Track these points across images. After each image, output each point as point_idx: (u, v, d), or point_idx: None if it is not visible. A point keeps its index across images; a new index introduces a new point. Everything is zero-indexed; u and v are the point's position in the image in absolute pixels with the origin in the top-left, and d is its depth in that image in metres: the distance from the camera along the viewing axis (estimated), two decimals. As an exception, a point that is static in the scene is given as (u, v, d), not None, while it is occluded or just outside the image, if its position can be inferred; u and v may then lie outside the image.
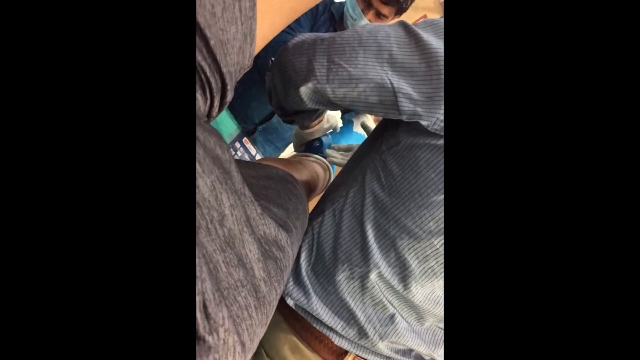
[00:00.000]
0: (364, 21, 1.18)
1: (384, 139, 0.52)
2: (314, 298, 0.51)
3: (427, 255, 0.47)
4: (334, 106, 0.53)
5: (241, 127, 1.20)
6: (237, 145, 1.05)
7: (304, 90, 0.50)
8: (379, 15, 1.17)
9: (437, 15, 2.47)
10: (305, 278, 0.53)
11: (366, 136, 0.93)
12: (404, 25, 0.47)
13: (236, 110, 1.26)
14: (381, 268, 0.49)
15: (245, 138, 1.09)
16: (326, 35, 0.50)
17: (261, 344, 0.57)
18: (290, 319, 0.54)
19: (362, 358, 0.53)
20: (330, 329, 0.52)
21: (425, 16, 2.47)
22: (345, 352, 0.52)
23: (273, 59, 0.61)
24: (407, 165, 0.47)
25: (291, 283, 0.53)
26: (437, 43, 0.44)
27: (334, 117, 0.84)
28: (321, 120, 0.80)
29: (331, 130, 0.85)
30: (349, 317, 0.51)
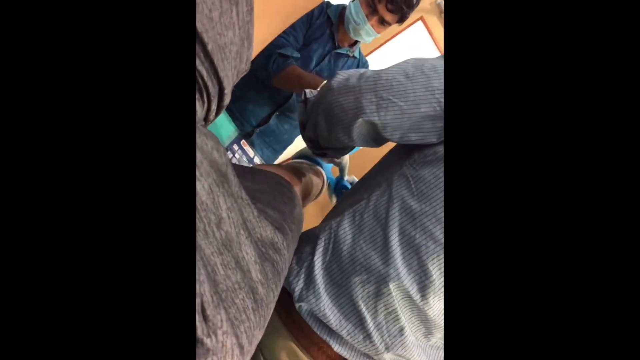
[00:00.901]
0: (367, 26, 1.20)
1: (416, 149, 0.53)
2: (324, 297, 0.51)
3: None
4: (381, 142, 0.54)
5: (239, 130, 1.20)
6: (235, 147, 1.05)
7: (355, 128, 0.51)
8: (382, 22, 1.20)
9: (433, 17, 2.49)
10: (318, 276, 0.52)
11: None
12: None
13: (233, 113, 1.27)
14: (401, 275, 0.48)
15: (243, 141, 1.09)
16: (369, 71, 0.52)
17: (259, 350, 0.56)
18: (290, 324, 0.53)
19: None
20: (333, 333, 0.51)
21: (422, 18, 2.50)
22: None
23: (306, 93, 0.62)
24: (442, 174, 0.48)
25: (301, 283, 0.52)
26: None
27: None
28: None
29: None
30: (358, 322, 0.50)
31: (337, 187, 0.90)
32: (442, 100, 0.47)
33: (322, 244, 0.54)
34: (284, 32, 1.16)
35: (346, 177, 0.91)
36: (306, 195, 0.75)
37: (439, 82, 0.47)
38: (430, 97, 0.47)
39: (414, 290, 0.48)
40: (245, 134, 1.27)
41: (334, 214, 0.58)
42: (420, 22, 2.50)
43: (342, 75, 0.55)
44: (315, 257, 0.53)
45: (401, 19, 1.21)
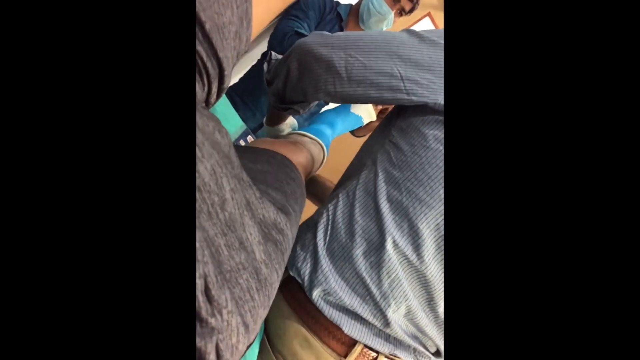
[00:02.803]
0: (391, 16, 1.31)
1: (392, 127, 0.60)
2: (331, 276, 0.54)
3: (438, 224, 0.50)
4: (344, 100, 0.61)
5: (247, 125, 1.19)
6: (242, 142, 1.05)
7: (322, 82, 0.57)
8: (401, 12, 1.33)
9: (441, 13, 2.48)
10: (322, 257, 0.56)
11: (362, 117, 0.96)
12: (407, 30, 0.59)
13: (247, 105, 1.28)
14: (396, 238, 0.52)
15: (249, 136, 1.08)
16: (342, 33, 0.59)
17: (269, 338, 0.58)
18: (300, 311, 0.56)
19: (370, 348, 0.54)
20: (342, 316, 0.54)
21: (429, 14, 2.47)
22: (355, 343, 0.54)
23: (274, 52, 0.71)
24: (417, 142, 0.55)
25: (309, 267, 0.56)
26: (438, 39, 0.55)
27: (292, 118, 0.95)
28: (286, 119, 0.91)
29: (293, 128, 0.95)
30: (365, 293, 0.54)
31: None
32: (400, 65, 0.55)
33: (322, 227, 0.58)
34: (297, 17, 1.24)
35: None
36: (308, 171, 0.76)
37: (397, 49, 0.55)
38: (388, 59, 0.55)
39: (409, 251, 0.52)
40: (255, 127, 1.28)
41: (329, 200, 0.62)
42: (427, 18, 2.47)
43: (317, 33, 0.62)
44: (317, 240, 0.57)
45: (411, 10, 1.34)
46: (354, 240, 0.55)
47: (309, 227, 0.61)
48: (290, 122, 0.93)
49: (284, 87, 0.65)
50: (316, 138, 0.82)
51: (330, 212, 0.59)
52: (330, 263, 0.55)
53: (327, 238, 0.57)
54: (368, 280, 0.53)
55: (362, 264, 0.54)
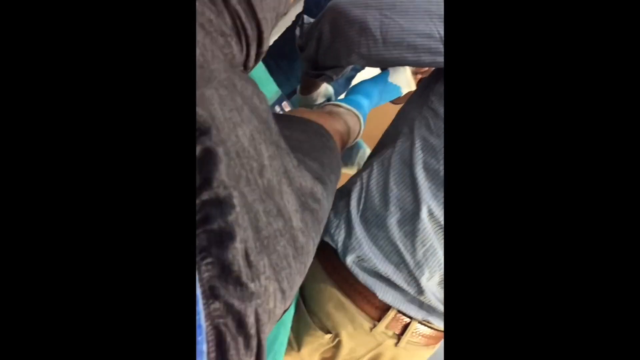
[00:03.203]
0: None
1: (431, 92, 0.58)
2: (365, 243, 0.54)
3: None
4: (379, 63, 0.60)
5: (282, 91, 1.19)
6: (277, 109, 1.04)
7: (355, 44, 0.55)
8: None
9: None
10: (356, 225, 0.55)
11: (401, 87, 0.93)
12: None
13: (282, 69, 1.27)
14: (431, 206, 0.52)
15: (285, 102, 1.07)
16: None
17: (304, 302, 0.59)
18: (335, 276, 0.56)
19: (403, 314, 0.54)
20: (376, 282, 0.54)
21: None
22: (388, 308, 0.54)
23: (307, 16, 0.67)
24: None
25: (342, 234, 0.56)
26: None
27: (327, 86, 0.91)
28: (320, 87, 0.87)
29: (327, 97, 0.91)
30: (399, 261, 0.53)
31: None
32: (440, 25, 0.52)
33: (355, 195, 0.57)
34: None
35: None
36: (345, 141, 0.74)
37: (437, 8, 0.52)
38: (428, 20, 0.52)
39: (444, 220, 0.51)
40: (290, 93, 1.27)
41: (363, 168, 0.61)
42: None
43: None
44: (351, 208, 0.57)
45: None
46: (388, 209, 0.54)
47: (342, 194, 0.60)
48: (325, 91, 0.90)
49: (316, 52, 0.63)
50: (352, 108, 0.81)
51: (364, 181, 0.58)
52: (364, 230, 0.55)
53: (361, 206, 0.57)
54: (402, 249, 0.53)
55: (396, 233, 0.53)
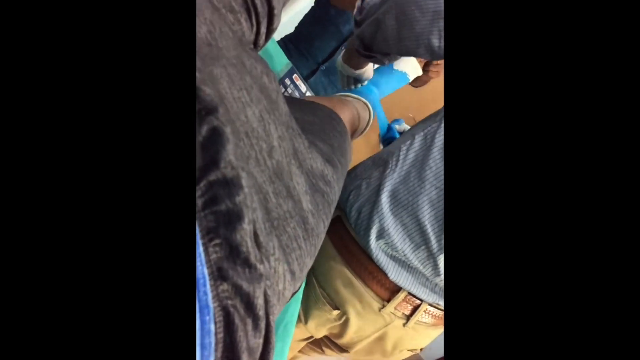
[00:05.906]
0: None
1: None
2: (388, 216, 0.52)
3: None
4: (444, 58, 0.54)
5: (300, 72, 1.18)
6: (287, 81, 1.02)
7: (425, 35, 0.50)
8: None
9: None
10: (384, 198, 0.53)
11: (407, 73, 0.91)
12: None
13: (299, 50, 1.26)
14: None
15: (295, 75, 1.06)
16: None
17: (314, 276, 0.59)
18: (345, 253, 0.55)
19: (414, 296, 0.54)
20: (389, 262, 0.52)
21: None
22: (399, 290, 0.53)
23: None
24: None
25: (367, 207, 0.53)
26: None
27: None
28: (366, 66, 0.81)
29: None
30: (421, 242, 0.51)
31: (385, 137, 0.88)
32: None
33: (391, 166, 0.54)
34: None
35: (397, 126, 0.89)
36: (354, 129, 0.74)
37: None
38: None
39: None
40: (308, 73, 1.26)
41: (403, 139, 0.57)
42: None
43: None
44: (383, 181, 0.54)
45: None
46: (423, 187, 0.51)
47: (376, 164, 0.57)
48: (367, 74, 0.85)
49: (373, 36, 0.57)
50: (361, 98, 0.80)
51: (402, 153, 0.54)
52: (391, 205, 0.53)
53: (395, 179, 0.54)
54: (429, 230, 0.50)
55: (426, 213, 0.51)
